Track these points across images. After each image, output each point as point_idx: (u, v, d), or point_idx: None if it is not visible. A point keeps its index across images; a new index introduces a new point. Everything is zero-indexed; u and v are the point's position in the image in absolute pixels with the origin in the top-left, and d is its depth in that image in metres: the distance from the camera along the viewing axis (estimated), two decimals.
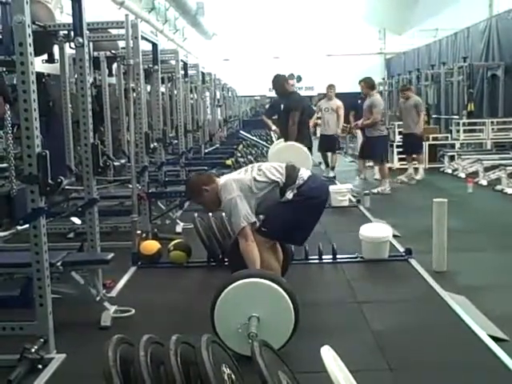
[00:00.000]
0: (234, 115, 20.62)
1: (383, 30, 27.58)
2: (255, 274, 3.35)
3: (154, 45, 6.41)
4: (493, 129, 12.68)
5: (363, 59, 26.30)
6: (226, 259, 5.04)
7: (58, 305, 3.47)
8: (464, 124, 12.92)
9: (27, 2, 3.03)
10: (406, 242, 5.66)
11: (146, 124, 6.34)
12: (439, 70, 15.37)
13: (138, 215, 5.50)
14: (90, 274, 3.92)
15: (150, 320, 3.92)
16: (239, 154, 10.78)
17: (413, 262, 5.15)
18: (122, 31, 5.61)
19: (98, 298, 3.90)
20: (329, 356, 2.18)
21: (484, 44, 14.24)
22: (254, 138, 13.49)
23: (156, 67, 6.56)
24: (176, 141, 8.43)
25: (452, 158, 11.88)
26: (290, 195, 3.94)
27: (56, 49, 6.57)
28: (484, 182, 9.77)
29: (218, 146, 13.03)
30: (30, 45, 3.07)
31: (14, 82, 3.90)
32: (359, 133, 11.01)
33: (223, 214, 5.28)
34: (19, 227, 4.38)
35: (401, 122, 11.49)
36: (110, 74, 8.45)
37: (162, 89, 9.80)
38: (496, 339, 3.49)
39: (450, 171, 11.47)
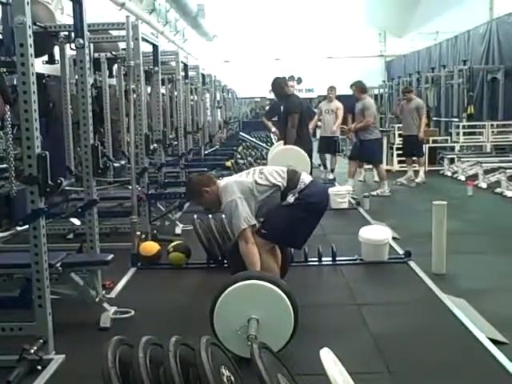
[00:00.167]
0: (234, 117, 20.64)
1: (384, 32, 27.64)
2: (255, 276, 3.35)
3: (155, 46, 6.42)
4: (493, 132, 12.69)
5: (363, 61, 26.36)
6: (225, 261, 5.04)
7: (57, 306, 3.46)
8: (464, 127, 12.93)
9: (28, 3, 3.03)
10: (405, 245, 5.66)
11: (145, 125, 6.34)
12: (439, 73, 15.40)
13: (138, 216, 5.49)
14: (90, 275, 3.92)
15: (150, 321, 3.91)
16: (239, 156, 10.80)
17: (412, 264, 5.15)
18: (123, 32, 5.61)
19: (97, 299, 3.90)
20: (328, 358, 2.18)
21: (484, 47, 14.27)
22: (254, 139, 13.49)
23: (156, 69, 6.57)
24: (176, 142, 8.42)
25: (452, 161, 11.88)
26: (291, 199, 3.95)
27: (56, 50, 6.57)
28: (484, 185, 9.78)
29: (217, 147, 13.04)
30: (30, 46, 3.07)
31: (15, 82, 3.90)
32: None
33: (223, 215, 5.28)
34: (19, 228, 4.38)
35: (400, 125, 11.49)
36: (111, 76, 8.45)
37: (163, 90, 9.80)
38: (495, 342, 3.49)
39: (449, 174, 11.47)
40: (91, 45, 6.16)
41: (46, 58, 6.54)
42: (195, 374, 2.42)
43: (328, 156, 11.27)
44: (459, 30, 16.43)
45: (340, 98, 11.03)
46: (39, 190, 3.14)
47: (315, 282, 4.99)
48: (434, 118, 14.98)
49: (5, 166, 5.17)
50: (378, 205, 8.31)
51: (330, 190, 8.14)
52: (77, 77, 4.54)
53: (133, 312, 3.96)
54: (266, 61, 26.27)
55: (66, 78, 6.72)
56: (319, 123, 11.10)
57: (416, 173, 10.58)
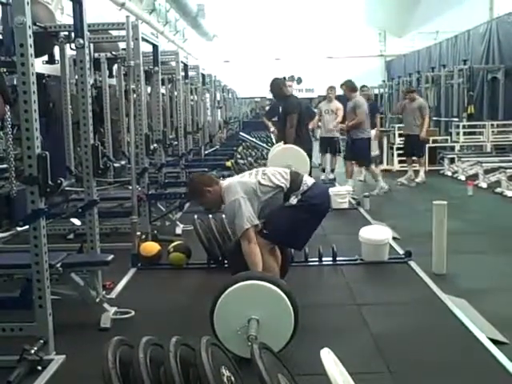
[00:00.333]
0: (234, 117, 20.64)
1: (384, 32, 27.65)
2: (255, 277, 3.35)
3: (155, 46, 6.42)
4: (493, 131, 12.69)
5: (363, 61, 26.37)
6: (225, 261, 5.04)
7: (57, 306, 3.46)
8: (464, 126, 12.94)
9: (28, 3, 3.03)
10: (405, 245, 5.66)
11: (146, 125, 6.34)
12: (439, 73, 15.40)
13: (138, 217, 5.49)
14: (90, 276, 3.92)
15: (150, 322, 3.91)
16: (239, 156, 10.79)
17: (412, 264, 5.15)
18: (123, 32, 5.61)
19: (97, 300, 3.90)
20: (328, 358, 2.18)
21: (484, 47, 14.27)
22: (254, 139, 13.49)
23: (156, 69, 6.57)
24: (176, 142, 8.42)
25: (452, 161, 11.88)
26: (293, 201, 3.96)
27: (56, 50, 6.57)
28: (484, 185, 9.78)
29: (217, 147, 13.04)
30: (30, 46, 3.06)
31: (15, 82, 3.90)
32: None
33: (223, 215, 5.28)
34: (19, 228, 4.38)
35: (401, 124, 11.50)
36: (111, 76, 8.45)
37: (163, 90, 9.80)
38: (496, 342, 3.49)
39: (449, 174, 11.48)
40: (91, 45, 6.16)
41: (46, 58, 6.53)
42: (195, 374, 2.42)
43: (328, 156, 11.24)
44: (459, 29, 16.43)
45: (340, 98, 11.02)
46: (39, 190, 3.13)
47: (315, 282, 4.99)
48: (434, 118, 14.97)
49: (5, 166, 5.17)
50: (378, 205, 8.31)
51: (331, 190, 8.15)
52: (77, 77, 4.54)
53: (133, 312, 3.97)
54: (266, 61, 26.28)
55: (66, 78, 6.71)
56: (319, 123, 11.09)
57: (416, 173, 10.58)
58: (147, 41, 6.12)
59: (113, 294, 4.44)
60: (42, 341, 3.23)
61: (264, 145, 12.45)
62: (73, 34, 4.31)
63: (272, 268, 3.94)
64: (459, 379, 3.11)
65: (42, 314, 3.26)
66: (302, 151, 6.85)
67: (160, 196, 6.85)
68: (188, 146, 9.05)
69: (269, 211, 3.99)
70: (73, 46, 4.56)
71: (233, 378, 2.53)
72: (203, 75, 12.05)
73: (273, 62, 26.28)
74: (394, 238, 5.85)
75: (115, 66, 8.47)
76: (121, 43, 7.53)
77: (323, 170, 11.08)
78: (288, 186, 3.99)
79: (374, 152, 11.46)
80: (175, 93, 9.90)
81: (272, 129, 9.32)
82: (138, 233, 5.39)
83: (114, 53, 7.85)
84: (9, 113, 4.59)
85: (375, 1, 25.28)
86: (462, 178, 10.73)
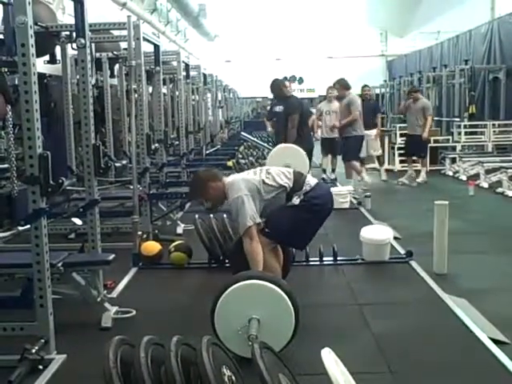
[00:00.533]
0: (235, 116, 20.63)
1: (385, 32, 27.64)
2: (255, 276, 3.35)
3: (156, 46, 6.42)
4: (494, 131, 12.67)
5: (365, 61, 26.38)
6: (226, 260, 5.04)
7: (58, 305, 3.46)
8: (465, 126, 12.92)
9: (29, 3, 3.03)
10: (406, 245, 5.66)
11: (147, 125, 6.34)
12: (441, 73, 15.39)
13: (139, 216, 5.49)
14: (91, 275, 3.92)
15: (151, 321, 3.91)
16: (240, 156, 10.78)
17: (414, 264, 5.15)
18: (124, 32, 5.61)
19: (98, 299, 3.90)
20: (329, 358, 2.19)
21: (486, 47, 14.25)
22: (256, 139, 13.48)
23: (158, 68, 6.57)
24: (177, 142, 8.43)
25: (453, 161, 11.87)
26: (296, 201, 3.96)
27: (58, 50, 6.58)
28: (485, 185, 9.77)
29: (219, 147, 13.04)
30: (32, 46, 3.07)
31: (16, 82, 3.91)
32: None
33: (224, 215, 5.29)
34: (20, 228, 4.40)
35: (402, 124, 11.51)
36: (112, 75, 8.46)
37: (164, 90, 9.82)
38: (497, 342, 3.49)
39: (451, 173, 11.47)
40: (92, 45, 6.15)
41: (47, 57, 6.54)
42: (196, 373, 2.42)
43: (329, 157, 11.20)
44: (461, 29, 16.41)
45: (341, 99, 10.99)
46: (41, 189, 3.14)
47: (316, 281, 4.99)
48: (436, 118, 14.96)
49: (6, 165, 5.19)
50: (379, 205, 8.30)
51: (332, 190, 8.14)
52: (78, 76, 4.55)
53: (134, 312, 3.97)
54: (267, 61, 26.29)
55: (68, 78, 6.72)
56: (319, 123, 11.03)
57: (418, 172, 10.58)
58: (148, 41, 6.12)
59: (114, 294, 4.44)
60: (43, 340, 3.23)
61: (265, 144, 12.44)
62: (74, 34, 4.31)
63: (274, 268, 3.94)
64: (460, 379, 3.11)
65: (43, 314, 3.27)
66: (301, 150, 6.86)
67: (161, 196, 6.85)
68: (189, 145, 9.06)
69: (271, 210, 3.99)
70: (74, 45, 4.55)
71: (234, 378, 2.53)
72: (204, 75, 12.05)
73: (274, 62, 26.30)
74: (395, 238, 5.85)
75: (116, 66, 8.49)
76: (122, 43, 7.55)
77: (324, 171, 11.07)
78: (291, 185, 4.00)
79: (377, 152, 11.46)
80: (176, 93, 9.92)
81: (269, 128, 9.31)
82: (139, 232, 5.40)
83: (115, 53, 7.86)
84: (10, 112, 4.61)
85: (376, 1, 25.29)
86: (464, 177, 10.72)
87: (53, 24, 5.93)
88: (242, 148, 11.87)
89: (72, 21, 4.20)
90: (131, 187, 5.59)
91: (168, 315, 4.06)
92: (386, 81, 22.56)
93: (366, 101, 11.13)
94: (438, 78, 15.40)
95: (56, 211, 5.78)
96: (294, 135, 7.27)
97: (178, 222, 6.76)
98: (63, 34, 6.25)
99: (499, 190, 9.16)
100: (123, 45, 7.45)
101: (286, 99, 7.59)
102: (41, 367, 3.15)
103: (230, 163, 8.67)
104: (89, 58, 4.13)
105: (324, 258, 5.25)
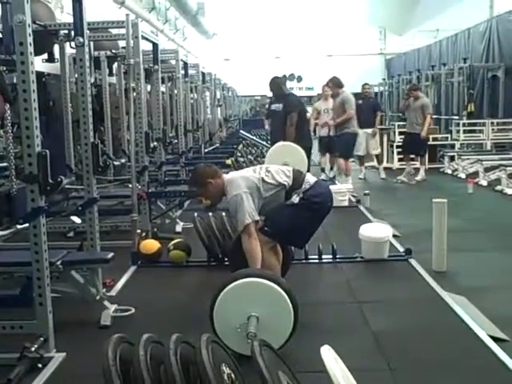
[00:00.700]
0: (234, 115, 20.63)
1: (384, 30, 27.62)
2: (254, 274, 3.35)
3: (155, 44, 6.42)
4: (493, 129, 12.69)
5: (364, 60, 26.36)
6: (225, 258, 5.04)
7: (57, 304, 3.46)
8: (464, 124, 12.94)
9: (28, 2, 3.03)
10: (405, 242, 5.66)
11: (146, 123, 6.34)
12: (439, 71, 15.38)
13: (138, 214, 5.50)
14: (90, 273, 3.92)
15: (150, 319, 3.91)
16: (239, 154, 10.78)
17: (413, 261, 5.15)
18: (123, 31, 5.61)
19: (97, 297, 3.90)
20: (329, 356, 2.18)
21: (484, 45, 14.25)
22: (254, 137, 13.49)
23: (156, 67, 6.57)
24: (176, 140, 8.43)
25: (452, 159, 11.89)
26: (296, 199, 3.96)
27: (56, 48, 6.58)
28: (484, 183, 9.78)
29: (217, 145, 13.04)
30: (30, 44, 3.07)
31: (14, 81, 3.90)
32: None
33: (223, 213, 5.29)
34: (19, 226, 4.40)
35: (402, 122, 11.52)
36: (111, 74, 8.45)
37: (162, 88, 9.79)
38: (496, 339, 3.49)
39: (449, 171, 11.49)
40: (91, 43, 6.16)
41: (45, 56, 6.54)
42: (196, 371, 2.42)
43: (327, 156, 11.19)
44: (459, 27, 16.40)
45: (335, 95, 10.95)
46: (39, 188, 3.14)
47: (315, 279, 4.99)
48: (435, 116, 14.96)
49: (5, 164, 5.18)
50: (378, 202, 8.31)
51: (331, 188, 8.14)
52: (77, 75, 4.54)
53: (133, 310, 3.96)
54: (266, 59, 26.26)
55: (66, 77, 6.72)
56: (317, 121, 11.00)
57: (416, 171, 10.59)
58: (147, 39, 6.12)
59: (113, 292, 4.45)
60: (42, 338, 3.23)
61: (264, 143, 12.45)
62: (72, 33, 4.32)
63: (273, 266, 3.93)
64: (459, 376, 3.11)
65: (43, 312, 3.27)
66: (299, 149, 6.85)
67: (160, 194, 6.85)
68: (188, 144, 9.06)
69: (269, 208, 3.98)
70: (72, 44, 4.57)
71: (233, 376, 2.53)
72: (203, 73, 12.05)
73: (273, 61, 26.27)
74: (394, 236, 5.86)
75: (115, 65, 8.47)
76: (121, 41, 7.53)
77: (323, 170, 11.06)
78: (290, 184, 3.99)
79: (376, 150, 11.46)
80: (175, 91, 9.90)
81: (267, 127, 9.31)
82: (138, 231, 5.40)
83: (113, 51, 7.85)
84: (9, 111, 4.60)
85: None
86: (462, 175, 10.74)
87: (51, 23, 5.92)
88: (240, 146, 11.87)
89: (70, 19, 4.21)
90: (130, 186, 5.58)
91: (167, 313, 4.06)
92: (384, 79, 22.55)
93: (366, 99, 11.14)
94: (437, 76, 15.40)
95: (55, 210, 5.78)
96: (292, 133, 7.27)
97: (177, 221, 6.76)
98: (61, 32, 6.25)
99: (498, 187, 9.17)
100: (122, 43, 7.44)
101: (285, 97, 7.58)
102: (40, 365, 3.16)
103: (228, 161, 8.67)
104: (87, 56, 4.12)
105: (323, 256, 5.25)
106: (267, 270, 3.68)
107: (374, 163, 11.80)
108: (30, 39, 3.06)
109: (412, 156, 10.74)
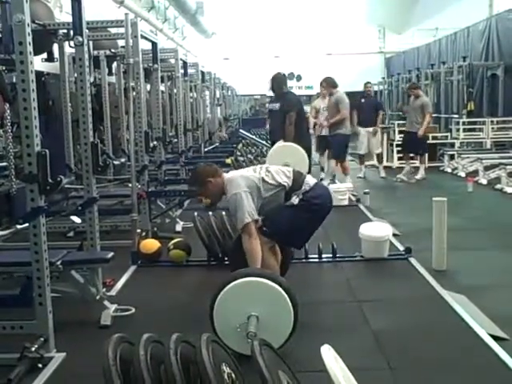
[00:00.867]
0: (233, 114, 20.62)
1: (383, 29, 27.57)
2: (254, 273, 3.35)
3: (154, 44, 6.41)
4: (492, 128, 12.70)
5: (363, 58, 26.32)
6: (225, 258, 5.04)
7: (57, 304, 3.46)
8: (464, 123, 12.94)
9: (27, 1, 3.03)
10: (405, 241, 5.66)
11: (145, 123, 6.34)
12: (439, 70, 15.37)
13: (138, 214, 5.50)
14: (90, 273, 3.92)
15: (150, 319, 3.91)
16: (239, 153, 10.78)
17: (412, 260, 5.15)
18: (122, 30, 5.60)
19: (97, 297, 3.90)
20: (329, 355, 2.18)
21: (484, 43, 14.25)
22: (254, 136, 13.48)
23: (156, 66, 6.56)
24: (176, 140, 8.43)
25: (452, 157, 11.89)
26: (295, 200, 3.95)
27: (55, 48, 6.57)
28: (484, 181, 9.78)
29: (217, 144, 13.03)
30: (29, 44, 3.06)
31: (14, 80, 3.90)
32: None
33: (223, 212, 5.28)
34: (19, 226, 4.40)
35: (402, 121, 11.52)
36: (110, 73, 8.45)
37: (162, 88, 9.79)
38: (496, 338, 3.49)
39: (449, 170, 11.49)
40: (90, 42, 6.15)
41: (45, 55, 6.53)
42: (196, 371, 2.42)
43: (326, 155, 11.15)
44: (459, 26, 16.39)
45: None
46: (39, 188, 3.13)
47: (315, 278, 4.99)
48: (434, 115, 14.95)
49: (5, 164, 5.18)
50: (378, 201, 8.31)
51: (330, 187, 8.15)
52: (76, 74, 4.54)
53: (133, 310, 3.96)
54: (265, 58, 26.21)
55: (66, 76, 6.72)
56: (316, 120, 10.98)
57: (416, 169, 10.59)
58: (146, 38, 6.11)
59: (113, 292, 4.45)
60: (42, 338, 3.23)
61: (263, 142, 12.45)
62: (72, 32, 4.31)
63: (272, 266, 3.93)
64: (459, 375, 3.11)
65: (43, 312, 3.27)
66: (300, 149, 6.85)
67: (160, 193, 6.85)
68: (188, 143, 9.05)
69: (268, 208, 3.98)
70: (72, 43, 4.56)
71: (233, 375, 2.53)
72: (202, 72, 12.04)
73: (272, 60, 26.23)
74: (394, 235, 5.85)
75: (114, 64, 8.47)
76: (120, 41, 7.52)
77: (322, 169, 11.05)
78: (290, 184, 3.99)
79: (377, 150, 11.45)
80: (175, 90, 9.90)
81: (267, 126, 9.30)
82: (138, 230, 5.40)
83: (113, 50, 7.84)
84: (8, 111, 4.60)
85: None
86: (462, 174, 10.74)
87: (50, 22, 5.92)
88: (240, 146, 11.86)
89: (69, 19, 4.19)
90: (130, 185, 5.58)
91: (167, 313, 4.06)
92: (384, 78, 22.54)
93: (368, 97, 11.14)
94: (436, 74, 15.40)
95: (55, 209, 5.78)
96: (292, 132, 7.26)
97: (177, 220, 6.76)
98: (61, 31, 6.25)
99: (498, 186, 9.18)
100: (121, 42, 7.43)
101: (284, 95, 7.58)
102: (40, 365, 3.16)
103: (228, 161, 8.67)
104: (86, 55, 4.12)
105: (323, 255, 5.25)
106: (266, 269, 3.68)
107: (374, 162, 11.80)
108: (29, 38, 3.06)
109: (412, 155, 10.74)
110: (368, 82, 11.73)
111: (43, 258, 3.22)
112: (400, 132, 11.93)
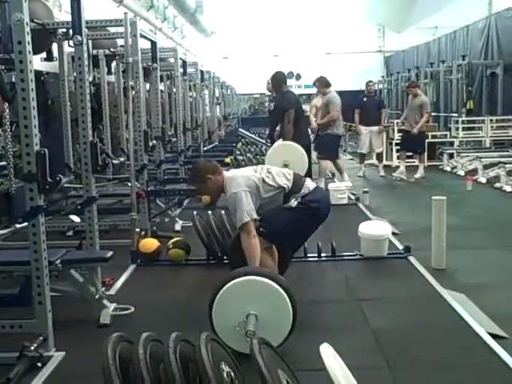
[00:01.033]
0: (233, 113, 20.61)
1: (382, 28, 27.55)
2: (253, 272, 3.35)
3: (153, 43, 6.41)
4: (492, 127, 12.69)
5: (362, 57, 26.30)
6: (225, 257, 5.04)
7: (57, 303, 3.46)
8: (463, 122, 12.94)
9: (26, 0, 3.03)
10: (404, 240, 5.67)
11: (144, 122, 6.33)
12: (438, 68, 15.37)
13: (137, 213, 5.50)
14: (89, 272, 3.92)
15: (150, 318, 3.91)
16: (238, 152, 10.78)
17: (412, 259, 5.15)
18: (121, 29, 5.60)
19: (97, 296, 3.90)
20: (328, 353, 2.19)
21: (483, 42, 14.24)
22: (253, 135, 13.48)
23: (155, 65, 6.56)
24: (175, 139, 8.43)
25: (451, 156, 11.89)
26: (294, 203, 3.95)
27: (55, 47, 6.57)
28: (483, 180, 9.79)
29: (216, 143, 13.03)
30: (28, 43, 3.06)
31: (13, 80, 3.90)
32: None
33: (222, 211, 5.28)
34: (18, 225, 4.39)
35: (399, 120, 11.52)
36: (109, 72, 8.44)
37: (161, 87, 9.79)
38: (495, 337, 3.49)
39: (448, 169, 11.50)
40: (89, 42, 6.15)
41: (44, 55, 6.52)
42: (195, 369, 2.42)
43: None
44: (458, 25, 16.38)
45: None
46: (38, 187, 3.14)
47: (315, 277, 4.99)
48: (434, 114, 14.95)
49: (4, 163, 5.17)
50: (377, 200, 8.31)
51: (330, 186, 8.17)
52: (75, 74, 4.53)
53: (133, 309, 3.97)
54: (265, 57, 26.19)
55: (65, 75, 6.71)
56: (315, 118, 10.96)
57: (416, 168, 10.60)
58: (145, 37, 6.11)
59: (112, 291, 4.44)
60: (41, 337, 3.24)
61: (263, 141, 12.45)
62: (71, 31, 4.30)
63: (269, 265, 3.92)
64: (459, 374, 3.11)
65: (42, 311, 3.27)
66: (299, 148, 6.85)
67: (159, 192, 6.85)
68: (187, 142, 9.05)
69: (267, 209, 3.98)
70: (71, 42, 4.54)
71: (232, 374, 2.53)
72: (202, 72, 12.03)
73: (271, 59, 26.21)
74: (393, 233, 5.85)
75: (114, 63, 8.46)
76: (119, 40, 7.52)
77: None
78: (290, 187, 3.99)
79: (380, 148, 11.45)
80: (174, 89, 9.89)
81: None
82: (138, 229, 5.40)
83: (112, 50, 7.84)
84: (7, 110, 4.59)
85: None
86: (461, 173, 10.74)
87: (49, 21, 5.91)
88: (239, 144, 11.86)
89: (69, 18, 4.20)
90: (129, 184, 5.59)
91: (166, 312, 4.07)
92: (383, 77, 22.54)
93: (370, 96, 11.15)
94: (436, 73, 15.40)
95: (54, 208, 5.77)
96: (291, 131, 7.26)
97: (176, 219, 6.76)
98: (60, 31, 6.24)
99: (497, 185, 9.18)
100: (120, 42, 7.42)
101: (283, 94, 7.58)
102: (40, 364, 3.16)
103: (227, 160, 8.67)
104: (86, 55, 4.12)
105: (322, 254, 5.26)
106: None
107: (374, 161, 11.80)
108: (28, 38, 3.06)
109: (409, 154, 10.74)
110: (370, 81, 11.72)
111: (42, 257, 3.22)
112: (399, 131, 11.91)
